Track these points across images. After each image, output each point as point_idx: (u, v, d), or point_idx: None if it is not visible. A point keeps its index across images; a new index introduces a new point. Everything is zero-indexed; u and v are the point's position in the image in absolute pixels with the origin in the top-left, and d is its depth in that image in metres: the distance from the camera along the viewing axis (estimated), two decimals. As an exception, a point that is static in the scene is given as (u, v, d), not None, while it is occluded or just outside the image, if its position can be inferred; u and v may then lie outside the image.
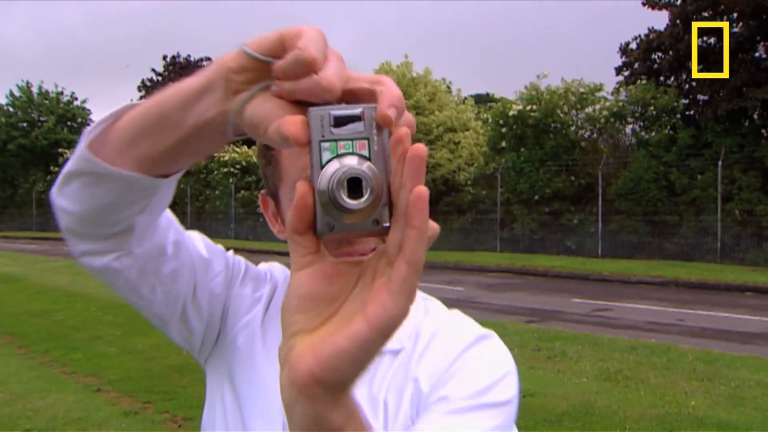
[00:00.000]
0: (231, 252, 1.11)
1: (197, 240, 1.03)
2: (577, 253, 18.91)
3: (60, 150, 35.45)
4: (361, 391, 0.93)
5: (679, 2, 19.10)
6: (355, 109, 0.48)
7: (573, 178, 19.47)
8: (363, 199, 0.47)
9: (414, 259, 0.46)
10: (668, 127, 18.64)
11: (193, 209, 29.33)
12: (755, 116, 18.17)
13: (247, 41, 0.52)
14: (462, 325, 1.00)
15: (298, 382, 0.47)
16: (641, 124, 19.47)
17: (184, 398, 5.68)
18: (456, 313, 1.03)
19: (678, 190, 17.57)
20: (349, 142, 0.48)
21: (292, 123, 0.47)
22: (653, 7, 19.59)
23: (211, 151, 0.64)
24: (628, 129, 20.12)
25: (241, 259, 1.11)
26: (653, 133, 18.86)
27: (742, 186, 16.62)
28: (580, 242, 19.27)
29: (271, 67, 0.50)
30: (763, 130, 18.12)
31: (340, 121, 0.48)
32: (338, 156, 0.47)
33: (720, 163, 16.47)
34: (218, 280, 1.03)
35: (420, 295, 1.03)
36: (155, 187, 0.72)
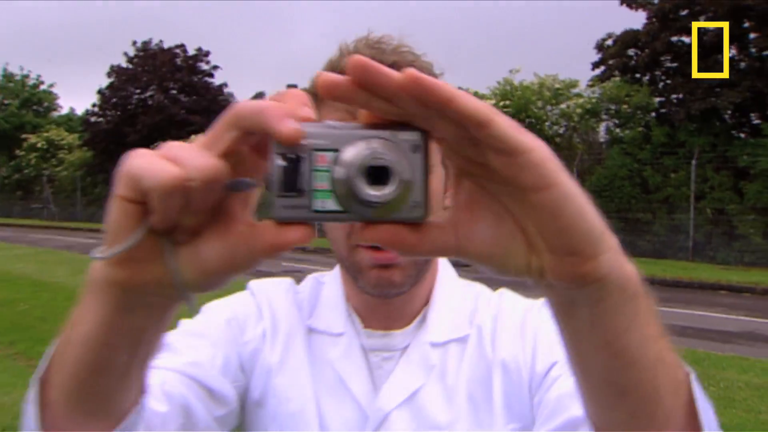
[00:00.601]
0: (210, 311, 0.97)
1: (174, 353, 0.87)
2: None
3: (24, 135, 34.75)
4: (436, 388, 0.91)
5: (656, 1, 19.18)
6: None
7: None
8: (387, 190, 0.43)
9: (482, 114, 0.41)
10: (642, 125, 18.74)
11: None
12: (727, 116, 18.36)
13: (95, 251, 0.46)
14: (516, 299, 0.98)
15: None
16: (615, 121, 19.56)
17: (159, 395, 5.45)
18: (504, 291, 1.00)
19: (652, 187, 17.67)
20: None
21: (288, 232, 0.44)
22: (630, 6, 19.65)
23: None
24: (602, 126, 20.22)
25: (225, 314, 0.97)
26: (627, 131, 18.95)
27: (714, 185, 16.76)
28: (552, 238, 19.32)
29: (149, 216, 0.44)
30: (734, 131, 18.33)
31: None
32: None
33: (694, 162, 16.58)
34: (216, 357, 0.91)
35: (464, 282, 1.01)
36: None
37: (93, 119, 33.31)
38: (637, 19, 30.34)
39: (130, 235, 0.44)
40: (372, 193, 0.43)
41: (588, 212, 0.44)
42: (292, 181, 0.43)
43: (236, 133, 0.44)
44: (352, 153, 0.43)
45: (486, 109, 0.41)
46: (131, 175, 0.43)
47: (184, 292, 0.47)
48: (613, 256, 0.46)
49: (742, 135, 18.27)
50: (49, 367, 0.56)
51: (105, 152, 31.74)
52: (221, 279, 0.47)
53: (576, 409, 0.76)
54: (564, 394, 0.81)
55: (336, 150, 0.43)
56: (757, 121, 18.15)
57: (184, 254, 0.46)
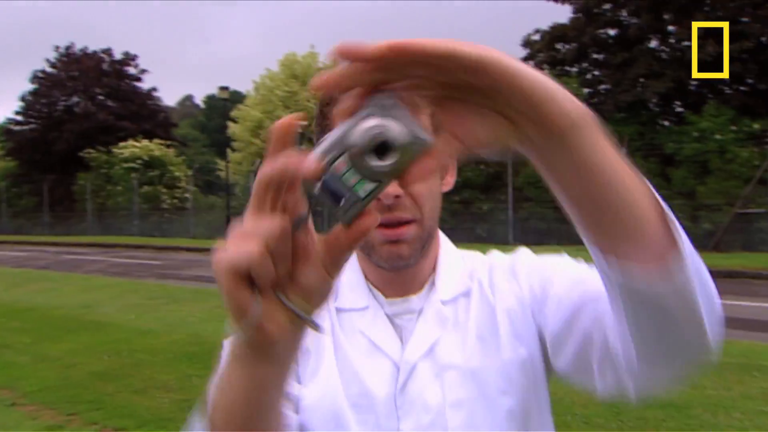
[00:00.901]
0: None
1: None
2: (489, 240, 19.22)
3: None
4: (451, 337, 1.06)
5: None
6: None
7: (482, 166, 19.78)
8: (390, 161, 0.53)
9: None
10: (573, 116, 19.22)
11: (95, 206, 27.97)
12: (653, 105, 19.00)
13: (233, 333, 0.61)
14: (503, 255, 1.15)
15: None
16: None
17: (112, 407, 5.29)
18: (493, 251, 1.17)
19: (584, 177, 18.07)
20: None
21: (358, 225, 0.56)
22: (556, 0, 20.12)
23: None
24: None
25: None
26: (559, 122, 19.39)
27: (643, 172, 17.15)
28: (491, 230, 19.63)
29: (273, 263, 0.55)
30: (660, 119, 19.00)
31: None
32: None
33: (623, 150, 17.01)
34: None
35: (461, 251, 1.17)
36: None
37: (15, 128, 32.13)
38: (563, 13, 31.00)
39: (252, 308, 0.55)
40: (384, 164, 0.53)
41: (549, 85, 0.55)
42: (335, 193, 0.54)
43: (274, 191, 0.55)
44: (354, 141, 0.53)
45: (448, 43, 0.52)
46: (228, 268, 0.54)
47: (310, 320, 0.58)
48: (574, 107, 0.57)
49: (667, 123, 18.96)
50: (212, 415, 0.71)
51: (30, 162, 30.68)
52: (328, 291, 0.60)
53: (576, 295, 0.94)
54: (562, 294, 0.98)
55: (344, 152, 0.53)
56: (680, 110, 18.88)
57: (291, 292, 0.58)
